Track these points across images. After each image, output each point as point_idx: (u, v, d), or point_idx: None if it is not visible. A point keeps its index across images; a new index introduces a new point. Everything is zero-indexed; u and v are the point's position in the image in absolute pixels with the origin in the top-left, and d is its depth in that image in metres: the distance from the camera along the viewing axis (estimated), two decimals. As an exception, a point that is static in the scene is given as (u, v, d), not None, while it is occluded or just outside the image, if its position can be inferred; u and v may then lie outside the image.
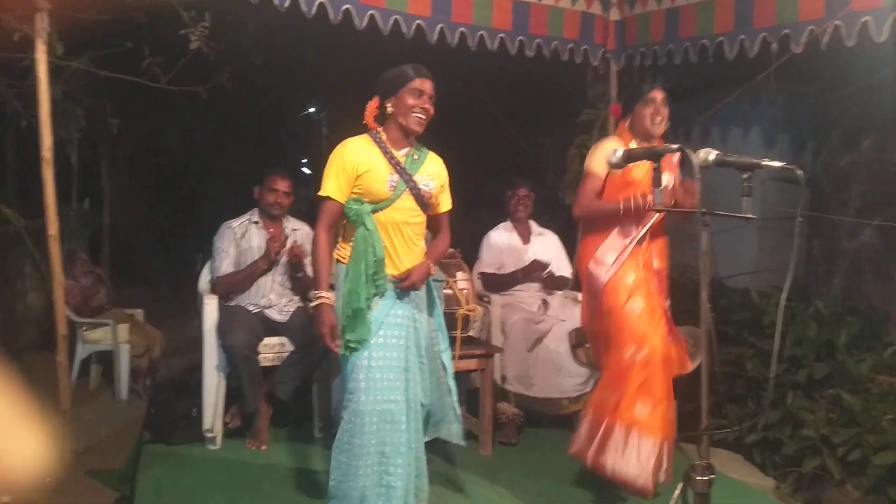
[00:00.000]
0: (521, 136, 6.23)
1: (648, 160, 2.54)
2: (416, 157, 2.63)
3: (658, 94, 3.03)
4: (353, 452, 2.44)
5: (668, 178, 3.02)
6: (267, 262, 3.63)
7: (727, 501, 2.99)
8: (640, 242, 3.05)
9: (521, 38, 4.12)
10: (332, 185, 2.54)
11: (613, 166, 2.52)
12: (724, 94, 4.87)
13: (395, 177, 2.56)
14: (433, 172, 2.68)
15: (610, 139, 3.15)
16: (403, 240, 2.59)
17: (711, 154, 1.98)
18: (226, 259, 3.65)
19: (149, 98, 4.91)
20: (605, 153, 3.03)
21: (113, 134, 5.16)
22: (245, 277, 3.64)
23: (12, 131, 6.03)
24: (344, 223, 2.61)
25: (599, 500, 3.07)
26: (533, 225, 4.35)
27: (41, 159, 3.58)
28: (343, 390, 2.60)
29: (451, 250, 4.02)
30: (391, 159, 2.57)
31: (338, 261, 2.60)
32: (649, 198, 2.93)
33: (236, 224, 3.75)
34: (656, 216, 3.02)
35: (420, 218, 2.65)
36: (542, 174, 5.60)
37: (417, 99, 2.54)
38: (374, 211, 2.53)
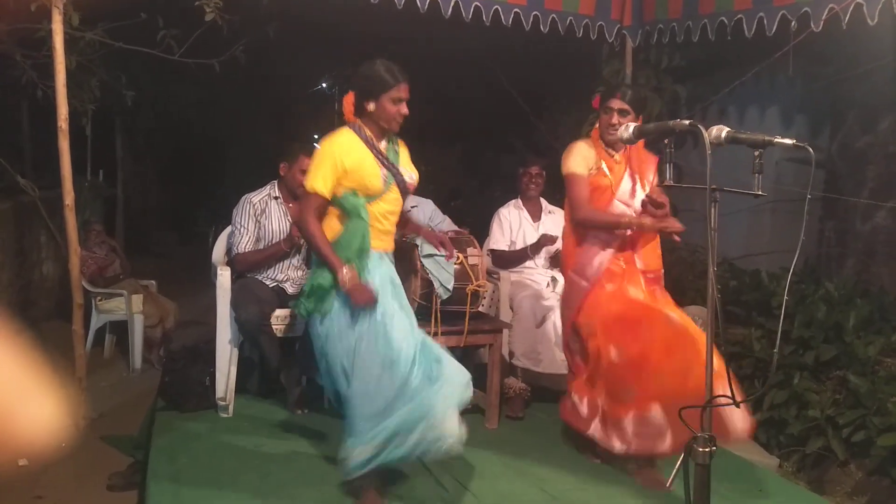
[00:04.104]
0: (536, 114, 6.21)
1: (661, 137, 2.53)
2: (395, 149, 2.79)
3: (615, 104, 3.00)
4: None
5: (638, 192, 3.06)
6: (289, 246, 3.64)
7: (731, 478, 3.02)
8: (621, 249, 3.07)
9: (535, 12, 4.08)
10: (321, 183, 2.64)
11: (625, 141, 2.51)
12: (740, 74, 4.82)
13: (385, 171, 2.72)
14: (409, 162, 2.85)
15: (580, 141, 3.17)
16: (388, 224, 2.78)
17: (724, 131, 1.97)
18: (246, 236, 3.65)
19: (164, 71, 4.93)
20: (581, 154, 3.09)
21: (127, 106, 5.19)
22: (266, 258, 3.66)
23: (27, 102, 6.07)
24: (331, 210, 2.73)
25: (604, 473, 3.10)
26: (543, 203, 4.35)
27: (57, 130, 3.62)
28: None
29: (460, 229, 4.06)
30: (377, 154, 2.71)
31: None
32: (646, 220, 2.97)
33: (256, 199, 3.72)
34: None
35: (401, 204, 2.84)
36: (556, 153, 5.59)
37: (397, 105, 2.67)
38: (367, 203, 2.68)
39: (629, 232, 3.06)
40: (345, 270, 2.59)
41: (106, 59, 4.82)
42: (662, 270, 3.20)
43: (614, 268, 3.04)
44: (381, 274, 2.69)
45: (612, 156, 3.08)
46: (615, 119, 2.99)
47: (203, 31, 4.22)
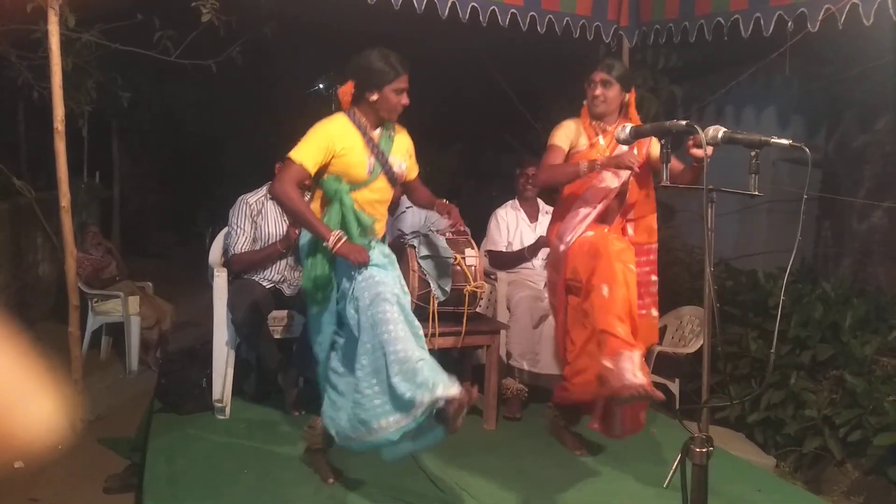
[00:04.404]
0: (533, 115, 6.21)
1: (657, 137, 2.53)
2: (389, 135, 2.78)
3: (597, 76, 3.10)
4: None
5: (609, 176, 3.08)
6: (285, 246, 3.64)
7: (727, 478, 3.02)
8: (608, 220, 3.11)
9: (532, 13, 4.08)
10: (309, 157, 2.62)
11: (622, 142, 2.52)
12: (737, 74, 4.83)
13: (373, 160, 2.71)
14: (404, 150, 2.83)
15: (570, 119, 3.22)
16: (374, 212, 2.76)
17: (720, 131, 1.98)
18: (242, 236, 3.65)
19: (160, 72, 4.92)
20: (566, 130, 3.17)
21: (124, 107, 5.18)
22: (263, 258, 3.66)
23: (23, 104, 6.06)
24: (318, 193, 2.74)
25: (602, 473, 3.10)
26: (540, 203, 4.35)
27: (53, 131, 3.61)
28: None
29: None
30: (369, 142, 2.71)
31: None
32: (601, 162, 3.02)
33: (253, 200, 3.73)
34: (617, 193, 3.10)
35: (389, 193, 2.83)
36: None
37: (400, 96, 2.69)
38: (351, 190, 2.67)
39: (606, 199, 3.08)
40: (332, 235, 2.56)
41: (102, 60, 4.81)
42: (656, 245, 3.22)
43: (596, 230, 3.08)
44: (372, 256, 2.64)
45: (604, 129, 3.14)
46: (598, 90, 3.08)
47: (200, 32, 4.22)
